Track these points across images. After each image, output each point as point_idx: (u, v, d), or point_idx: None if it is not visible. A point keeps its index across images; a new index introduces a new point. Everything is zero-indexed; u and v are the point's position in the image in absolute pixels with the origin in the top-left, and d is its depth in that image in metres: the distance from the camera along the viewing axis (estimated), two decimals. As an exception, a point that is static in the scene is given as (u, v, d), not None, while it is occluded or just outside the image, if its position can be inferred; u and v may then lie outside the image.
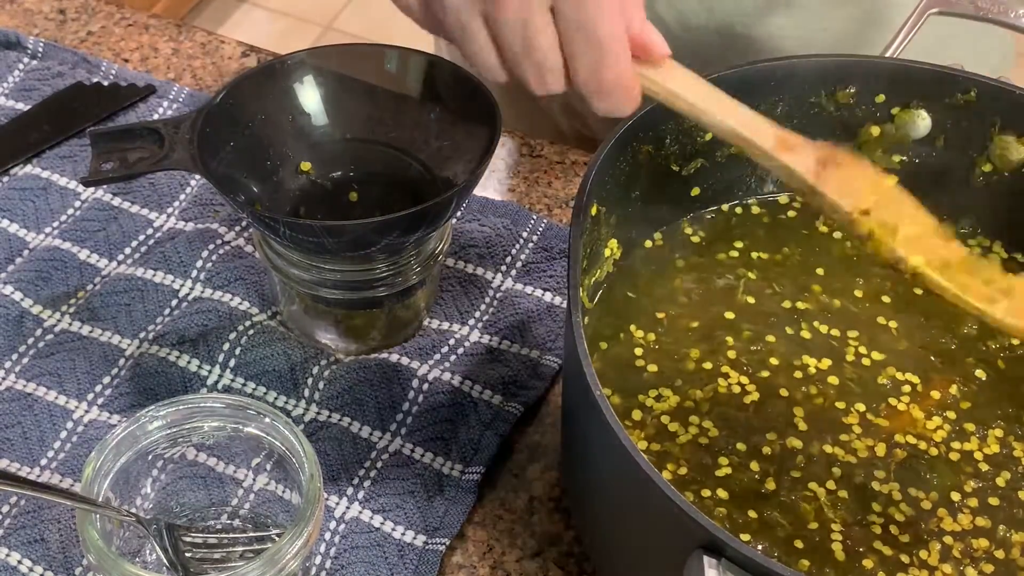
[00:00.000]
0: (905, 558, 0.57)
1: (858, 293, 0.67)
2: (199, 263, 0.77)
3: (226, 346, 0.72)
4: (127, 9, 0.97)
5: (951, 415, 0.62)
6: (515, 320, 0.75)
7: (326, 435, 0.69)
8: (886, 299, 0.67)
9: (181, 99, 0.89)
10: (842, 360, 0.64)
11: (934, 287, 0.55)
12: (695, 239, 0.69)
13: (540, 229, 0.80)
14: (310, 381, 0.71)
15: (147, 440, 0.61)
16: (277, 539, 0.58)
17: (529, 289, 0.77)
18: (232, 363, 0.72)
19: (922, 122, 0.68)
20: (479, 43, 0.56)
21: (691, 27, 0.85)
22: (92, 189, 0.82)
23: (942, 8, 0.74)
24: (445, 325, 0.75)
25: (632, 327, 0.65)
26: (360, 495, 0.67)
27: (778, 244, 0.69)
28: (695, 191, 0.69)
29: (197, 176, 0.81)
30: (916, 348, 0.65)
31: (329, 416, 0.71)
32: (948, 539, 0.58)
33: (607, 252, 0.66)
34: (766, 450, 0.60)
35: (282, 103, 0.72)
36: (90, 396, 0.71)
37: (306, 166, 0.72)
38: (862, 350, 0.65)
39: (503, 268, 0.78)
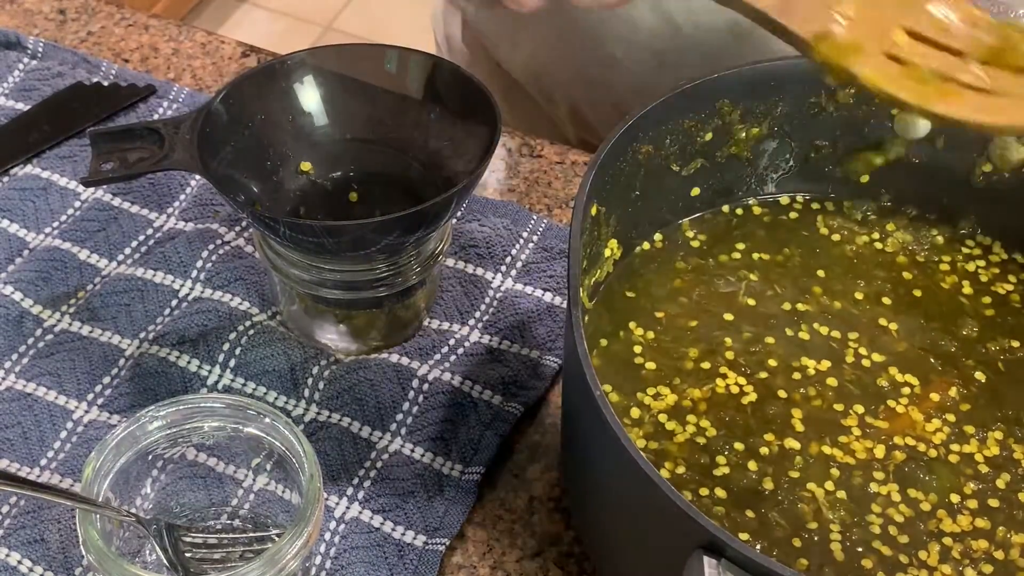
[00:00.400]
0: (904, 558, 0.57)
1: (859, 295, 0.67)
2: (199, 263, 0.77)
3: (226, 346, 0.72)
4: (127, 9, 0.97)
5: (951, 417, 0.62)
6: (515, 320, 0.75)
7: (326, 435, 0.69)
8: (887, 301, 0.67)
9: (181, 99, 0.89)
10: (841, 362, 0.64)
11: (899, 104, 0.52)
12: (695, 240, 0.69)
13: (540, 229, 0.80)
14: (310, 381, 0.71)
15: (147, 440, 0.61)
16: (277, 539, 0.58)
17: (529, 289, 0.77)
18: (232, 363, 0.72)
19: (922, 122, 0.68)
20: None
21: (702, 26, 0.85)
22: (92, 189, 0.82)
23: (942, 8, 0.74)
24: (445, 325, 0.75)
25: (632, 324, 0.65)
26: (360, 495, 0.67)
27: (779, 245, 0.69)
28: (695, 191, 0.69)
29: (197, 176, 0.81)
30: (916, 350, 0.65)
31: (329, 416, 0.71)
32: (947, 540, 0.58)
33: (607, 252, 0.66)
34: (764, 451, 0.60)
35: (282, 103, 0.72)
36: (90, 396, 0.71)
37: (306, 166, 0.73)
38: (862, 352, 0.65)
39: (503, 268, 0.78)
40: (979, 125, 0.52)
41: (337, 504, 0.67)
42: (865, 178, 0.70)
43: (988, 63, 0.52)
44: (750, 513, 0.58)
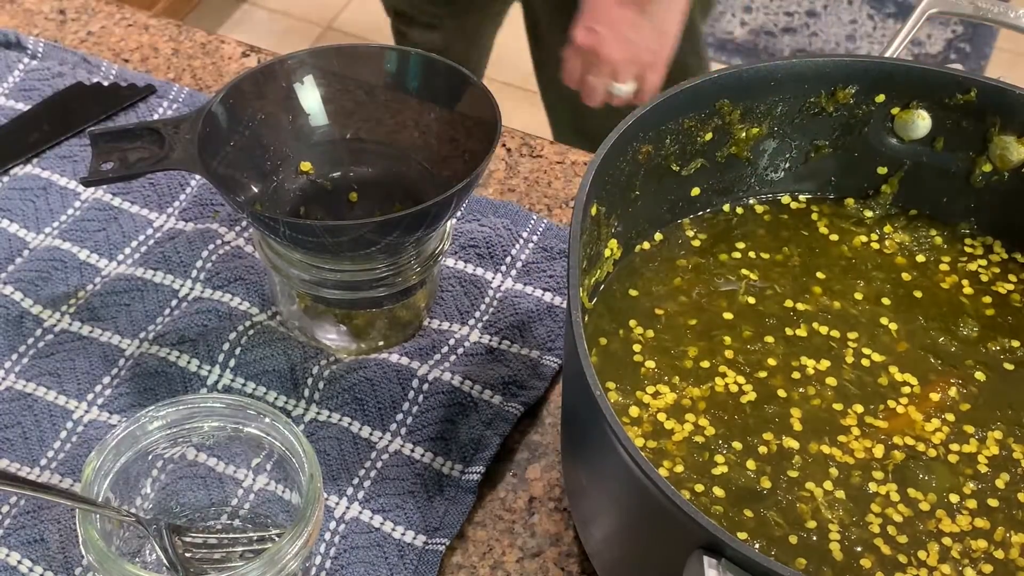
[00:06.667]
0: (903, 558, 0.57)
1: (858, 295, 0.67)
2: (199, 263, 0.77)
3: (226, 346, 0.72)
4: (127, 9, 0.97)
5: (950, 417, 0.62)
6: (515, 320, 0.75)
7: (326, 435, 0.69)
8: (886, 301, 0.67)
9: (181, 99, 0.89)
10: (841, 361, 0.64)
11: None
12: (696, 239, 0.69)
13: (540, 229, 0.80)
14: (310, 381, 0.71)
15: (147, 440, 0.61)
16: (277, 539, 0.58)
17: (529, 289, 0.77)
18: (232, 363, 0.72)
19: (922, 122, 0.68)
20: None
21: None
22: (92, 189, 0.82)
23: (942, 8, 0.74)
24: (445, 325, 0.75)
25: (632, 322, 0.65)
26: (360, 495, 0.67)
27: (779, 244, 0.69)
28: (695, 191, 0.69)
29: (197, 176, 0.81)
30: (916, 350, 0.65)
31: (329, 416, 0.71)
32: (947, 540, 0.58)
33: (607, 252, 0.66)
34: (762, 450, 0.60)
35: (282, 103, 0.72)
36: (90, 396, 0.71)
37: (306, 166, 0.73)
38: (862, 351, 0.65)
39: (503, 268, 0.78)
40: None
41: (337, 504, 0.67)
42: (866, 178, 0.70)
43: None
44: (748, 512, 0.58)
